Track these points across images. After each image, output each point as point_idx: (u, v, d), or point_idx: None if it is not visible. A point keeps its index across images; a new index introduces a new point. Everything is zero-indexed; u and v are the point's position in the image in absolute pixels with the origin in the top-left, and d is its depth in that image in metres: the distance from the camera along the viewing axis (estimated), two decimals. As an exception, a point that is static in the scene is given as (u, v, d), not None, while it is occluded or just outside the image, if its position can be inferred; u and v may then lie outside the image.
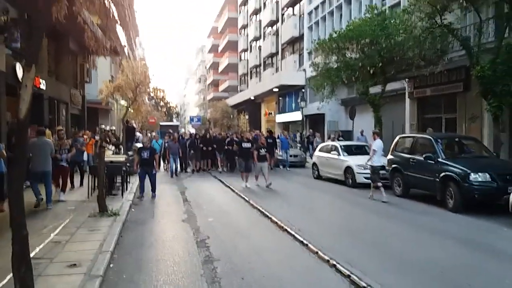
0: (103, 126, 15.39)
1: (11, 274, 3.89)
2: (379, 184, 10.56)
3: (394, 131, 17.65)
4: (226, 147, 18.16)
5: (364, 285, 4.69)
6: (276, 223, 7.97)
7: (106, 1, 4.93)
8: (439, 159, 9.72)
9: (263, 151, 13.31)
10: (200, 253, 6.17)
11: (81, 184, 12.30)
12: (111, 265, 5.57)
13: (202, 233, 7.38)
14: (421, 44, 14.02)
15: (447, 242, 6.79)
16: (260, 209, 9.35)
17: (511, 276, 5.24)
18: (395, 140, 12.07)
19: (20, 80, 10.97)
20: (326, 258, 5.65)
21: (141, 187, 11.32)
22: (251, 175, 13.43)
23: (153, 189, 11.43)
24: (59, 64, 16.54)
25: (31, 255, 5.01)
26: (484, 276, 5.29)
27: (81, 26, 4.84)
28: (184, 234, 7.45)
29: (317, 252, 5.94)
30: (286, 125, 33.31)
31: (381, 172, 11.07)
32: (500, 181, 8.62)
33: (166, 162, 19.09)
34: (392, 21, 15.12)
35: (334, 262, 5.44)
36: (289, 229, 7.33)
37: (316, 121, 27.93)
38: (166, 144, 18.54)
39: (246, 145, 14.23)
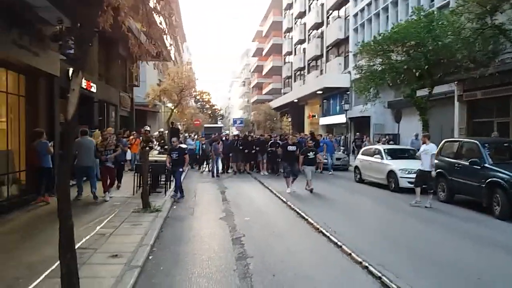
0: (147, 128, 16.01)
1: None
2: (431, 190, 10.24)
3: (443, 135, 17.02)
4: (269, 149, 17.78)
5: (395, 287, 4.65)
6: (312, 224, 8.00)
7: (148, 10, 5.21)
8: (486, 165, 9.33)
9: (311, 154, 12.61)
10: (234, 249, 6.35)
11: (119, 183, 12.21)
12: (150, 258, 5.87)
13: (238, 231, 7.56)
14: (470, 46, 13.49)
15: (488, 250, 6.54)
16: (298, 210, 9.39)
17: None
18: (441, 145, 11.66)
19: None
20: (359, 260, 5.63)
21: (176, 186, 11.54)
22: (296, 180, 12.83)
23: (176, 189, 11.27)
24: (109, 68, 17.42)
25: (78, 245, 5.42)
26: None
27: (126, 33, 5.17)
28: (221, 231, 7.67)
29: (350, 254, 5.93)
30: (330, 128, 32.97)
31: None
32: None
33: (205, 163, 19.81)
34: (439, 23, 14.63)
35: (367, 264, 5.42)
36: (324, 231, 7.33)
37: (361, 124, 27.50)
38: (203, 146, 19.29)
39: (291, 148, 13.14)
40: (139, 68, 18.08)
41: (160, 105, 29.92)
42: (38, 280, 4.73)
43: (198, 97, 53.29)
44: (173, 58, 17.44)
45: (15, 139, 9.46)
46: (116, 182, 11.66)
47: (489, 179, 8.98)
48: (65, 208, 4.15)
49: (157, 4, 5.90)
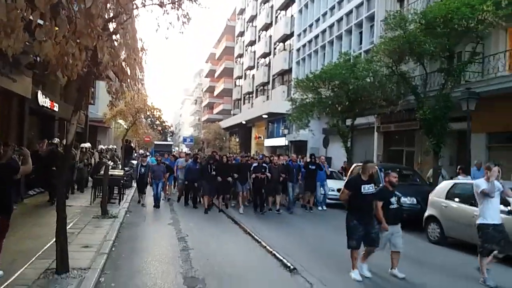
0: (101, 147, 17.24)
1: (53, 240, 6.00)
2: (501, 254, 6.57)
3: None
4: (253, 175, 13.48)
5: (289, 265, 6.87)
6: (244, 229, 10.15)
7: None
8: (380, 185, 11.94)
9: (394, 202, 6.92)
10: (179, 244, 8.33)
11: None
12: (113, 249, 7.67)
13: (182, 232, 9.53)
14: (383, 87, 16.52)
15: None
16: (234, 218, 11.47)
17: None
18: (351, 168, 14.34)
19: (40, 104, 13.29)
20: (271, 250, 7.83)
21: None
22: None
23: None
24: (68, 88, 18.80)
25: (54, 240, 7.12)
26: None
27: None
28: (169, 232, 9.59)
29: (265, 246, 8.15)
30: (273, 149, 35.61)
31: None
32: (423, 204, 10.85)
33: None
34: (361, 66, 17.56)
35: (275, 252, 7.61)
36: (252, 233, 9.50)
37: (300, 147, 30.26)
38: (142, 169, 14.38)
39: (368, 188, 6.61)
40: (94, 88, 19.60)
41: (111, 121, 31.09)
42: (32, 260, 6.42)
43: (148, 113, 54.29)
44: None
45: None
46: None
47: (381, 197, 11.58)
48: (61, 204, 5.98)
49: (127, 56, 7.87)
